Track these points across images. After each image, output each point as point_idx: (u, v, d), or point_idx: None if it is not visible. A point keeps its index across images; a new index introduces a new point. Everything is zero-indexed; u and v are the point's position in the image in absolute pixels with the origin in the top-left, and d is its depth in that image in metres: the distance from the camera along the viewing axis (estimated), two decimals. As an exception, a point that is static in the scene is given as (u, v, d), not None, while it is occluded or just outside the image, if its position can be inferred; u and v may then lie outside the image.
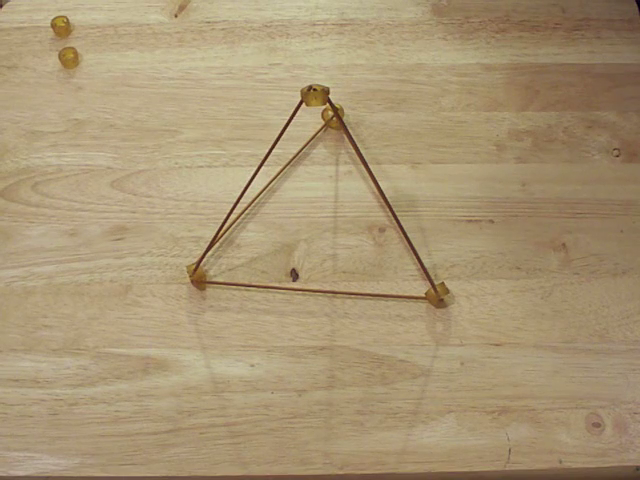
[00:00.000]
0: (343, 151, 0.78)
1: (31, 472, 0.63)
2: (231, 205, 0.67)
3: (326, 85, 0.59)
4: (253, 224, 0.74)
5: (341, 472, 0.63)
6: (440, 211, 0.74)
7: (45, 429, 0.65)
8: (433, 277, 0.70)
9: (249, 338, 0.68)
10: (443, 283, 0.69)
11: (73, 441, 0.64)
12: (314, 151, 0.78)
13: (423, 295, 0.70)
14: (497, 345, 0.68)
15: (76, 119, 0.79)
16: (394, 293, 0.70)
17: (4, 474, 0.63)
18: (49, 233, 0.73)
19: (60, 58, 0.82)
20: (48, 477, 0.63)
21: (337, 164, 0.77)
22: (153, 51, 0.84)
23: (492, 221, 0.74)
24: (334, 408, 0.66)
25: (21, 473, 0.63)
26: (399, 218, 0.67)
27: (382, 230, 0.74)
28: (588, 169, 0.77)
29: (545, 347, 0.68)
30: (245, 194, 0.67)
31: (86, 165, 0.77)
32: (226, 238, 0.73)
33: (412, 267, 0.72)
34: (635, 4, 0.87)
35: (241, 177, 0.74)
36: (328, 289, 0.71)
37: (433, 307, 0.70)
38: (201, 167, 0.77)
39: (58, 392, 0.66)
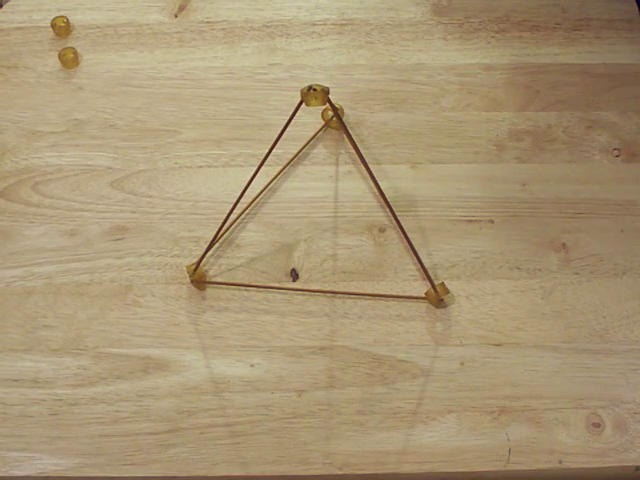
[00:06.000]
0: (343, 151, 0.78)
1: (31, 472, 0.63)
2: (231, 205, 0.67)
3: (326, 85, 0.59)
4: (253, 224, 0.74)
5: (341, 472, 0.63)
6: (440, 211, 0.74)
7: (45, 429, 0.65)
8: (433, 277, 0.70)
9: (249, 338, 0.68)
10: (443, 283, 0.69)
11: (73, 441, 0.64)
12: (314, 151, 0.78)
13: (423, 295, 0.70)
14: (497, 345, 0.68)
15: (76, 119, 0.79)
16: (394, 293, 0.70)
17: (4, 474, 0.63)
18: (49, 233, 0.73)
19: (60, 58, 0.82)
20: (48, 477, 0.63)
21: (337, 164, 0.77)
22: (153, 51, 0.84)
23: (492, 221, 0.74)
24: (334, 408, 0.66)
25: (21, 473, 0.63)
26: (399, 218, 0.67)
27: (382, 230, 0.74)
28: (588, 169, 0.77)
29: (545, 347, 0.68)
30: (245, 194, 0.67)
31: (86, 165, 0.77)
32: (226, 238, 0.73)
33: (412, 267, 0.72)
34: (635, 4, 0.87)
35: (241, 177, 0.74)
36: (328, 289, 0.71)
37: (433, 307, 0.70)
38: (201, 167, 0.77)
39: (58, 392, 0.66)
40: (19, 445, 0.64)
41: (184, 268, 0.71)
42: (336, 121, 0.78)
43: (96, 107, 0.80)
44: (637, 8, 0.86)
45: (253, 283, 0.71)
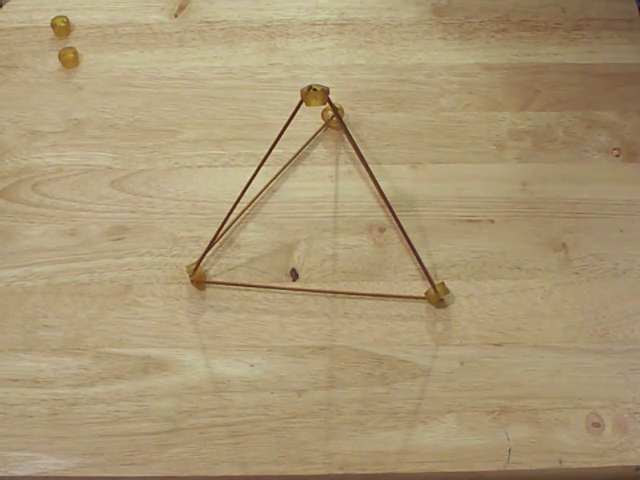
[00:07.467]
0: (343, 151, 0.78)
1: (31, 472, 0.63)
2: (231, 205, 0.67)
3: (326, 85, 0.59)
4: (253, 224, 0.74)
5: (341, 472, 0.63)
6: (440, 211, 0.74)
7: (45, 429, 0.65)
8: (433, 277, 0.70)
9: (249, 338, 0.68)
10: (443, 283, 0.69)
11: (73, 441, 0.64)
12: (314, 151, 0.78)
13: (423, 295, 0.70)
14: (497, 345, 0.68)
15: (76, 119, 0.79)
16: (394, 293, 0.70)
17: (4, 474, 0.63)
18: (49, 233, 0.73)
19: (60, 58, 0.82)
20: (48, 477, 0.63)
21: (337, 164, 0.77)
22: (153, 51, 0.84)
23: (492, 221, 0.74)
24: (334, 408, 0.66)
25: (21, 473, 0.63)
26: (399, 218, 0.68)
27: (382, 230, 0.74)
28: (588, 169, 0.77)
29: (545, 347, 0.68)
30: (245, 194, 0.67)
31: (86, 165, 0.77)
32: (226, 238, 0.73)
33: (412, 267, 0.72)
34: (635, 4, 0.87)
35: (241, 177, 0.74)
36: (328, 289, 0.71)
37: (433, 307, 0.70)
38: (201, 167, 0.77)
39: (58, 392, 0.66)
40: (19, 445, 0.64)
41: (184, 268, 0.71)
42: (336, 121, 0.78)
43: (96, 107, 0.80)
44: (637, 8, 0.86)
45: (253, 283, 0.71)
